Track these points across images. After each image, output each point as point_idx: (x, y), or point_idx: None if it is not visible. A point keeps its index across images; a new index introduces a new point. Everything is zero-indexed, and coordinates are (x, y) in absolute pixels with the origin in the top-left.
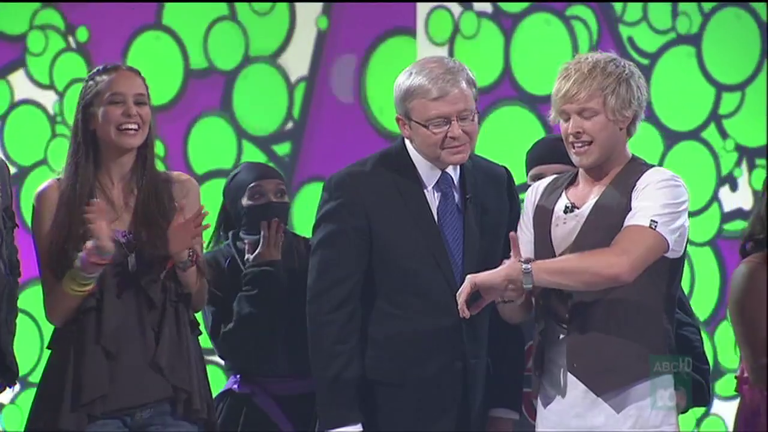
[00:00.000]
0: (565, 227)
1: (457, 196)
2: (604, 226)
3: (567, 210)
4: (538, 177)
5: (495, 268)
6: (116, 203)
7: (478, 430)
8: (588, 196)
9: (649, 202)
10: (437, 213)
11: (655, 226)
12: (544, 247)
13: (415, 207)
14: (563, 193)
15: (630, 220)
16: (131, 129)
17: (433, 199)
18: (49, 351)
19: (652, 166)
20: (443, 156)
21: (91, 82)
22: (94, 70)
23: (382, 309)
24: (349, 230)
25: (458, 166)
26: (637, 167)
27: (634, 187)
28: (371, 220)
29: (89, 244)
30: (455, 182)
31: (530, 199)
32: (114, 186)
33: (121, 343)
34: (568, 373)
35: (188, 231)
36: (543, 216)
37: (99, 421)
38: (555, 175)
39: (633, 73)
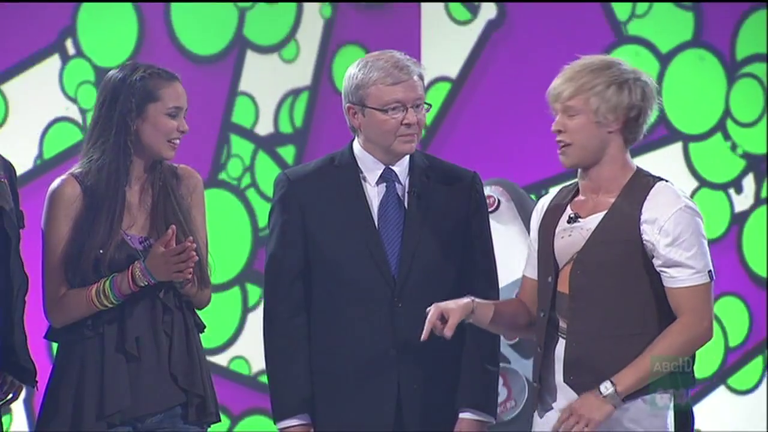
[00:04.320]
0: (569, 238)
1: (401, 190)
2: (611, 242)
3: (570, 220)
4: None
5: (433, 261)
6: (133, 205)
7: (422, 422)
8: (593, 207)
9: (694, 250)
10: (378, 207)
11: (712, 276)
12: (546, 259)
13: (352, 201)
14: (568, 206)
15: (689, 278)
16: (177, 143)
17: (375, 193)
18: (58, 353)
19: (659, 179)
20: (395, 145)
21: (141, 83)
22: (146, 71)
23: (319, 300)
24: (285, 225)
25: (407, 162)
26: (643, 181)
27: (642, 204)
28: (305, 215)
29: (138, 274)
30: (399, 177)
31: (536, 215)
32: (130, 187)
33: (140, 350)
34: (565, 385)
35: (169, 264)
36: (547, 229)
37: (111, 428)
38: (559, 188)
39: (633, 79)
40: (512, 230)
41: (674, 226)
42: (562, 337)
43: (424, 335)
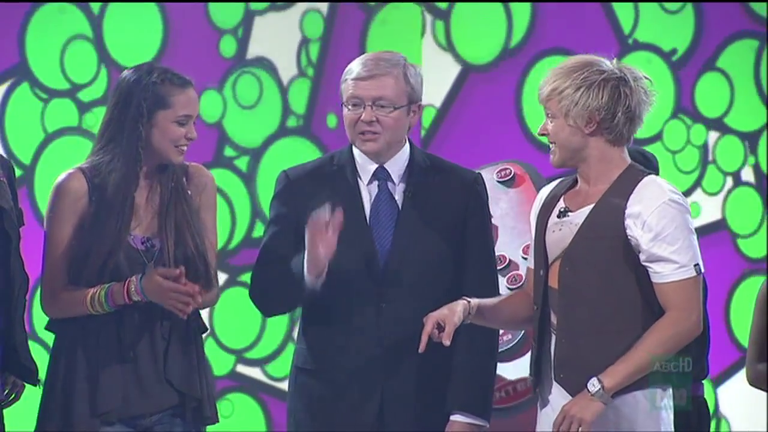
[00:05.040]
0: (559, 233)
1: (395, 190)
2: (597, 238)
3: (560, 214)
4: None
5: (424, 262)
6: (140, 205)
7: (406, 423)
8: (583, 201)
9: (678, 245)
10: (371, 206)
11: (699, 270)
12: (538, 251)
13: (345, 200)
14: (561, 198)
15: (674, 273)
16: (185, 149)
17: (368, 192)
18: (55, 346)
19: (648, 173)
20: (357, 143)
21: (153, 89)
22: (159, 76)
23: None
24: (279, 220)
25: (404, 161)
26: (632, 175)
27: (628, 199)
28: (300, 212)
29: (133, 288)
30: (393, 176)
31: (535, 205)
32: (138, 187)
33: (136, 352)
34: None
35: (164, 297)
36: (541, 221)
37: (107, 427)
38: (559, 180)
39: (602, 80)
40: (524, 195)
41: (657, 221)
42: (554, 333)
43: (421, 347)
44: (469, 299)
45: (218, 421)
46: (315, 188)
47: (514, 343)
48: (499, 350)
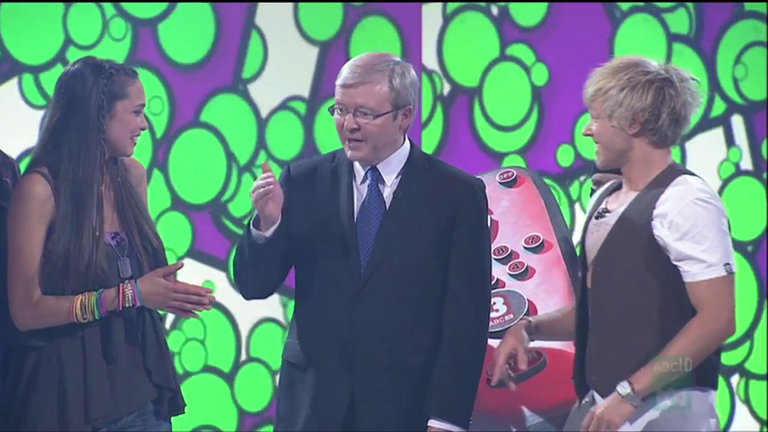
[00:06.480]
0: (597, 234)
1: (385, 191)
2: (627, 238)
3: (599, 216)
4: (597, 183)
5: (404, 263)
6: (102, 200)
7: (375, 423)
8: (621, 202)
9: (707, 244)
10: (360, 205)
11: (730, 269)
12: (582, 254)
13: (337, 197)
14: (605, 200)
15: (703, 272)
16: (137, 139)
17: (360, 191)
18: (26, 355)
19: (683, 173)
20: (344, 148)
21: (109, 81)
22: (111, 68)
23: (299, 292)
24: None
25: (399, 163)
26: (668, 176)
27: (657, 199)
28: (292, 206)
29: (129, 294)
30: (385, 177)
31: (588, 206)
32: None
33: (119, 351)
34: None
35: (167, 300)
36: (586, 224)
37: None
38: (611, 182)
39: (647, 81)
40: (525, 193)
41: (684, 220)
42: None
43: (493, 381)
44: (529, 318)
45: (185, 412)
46: (311, 184)
47: (515, 322)
48: (502, 328)
